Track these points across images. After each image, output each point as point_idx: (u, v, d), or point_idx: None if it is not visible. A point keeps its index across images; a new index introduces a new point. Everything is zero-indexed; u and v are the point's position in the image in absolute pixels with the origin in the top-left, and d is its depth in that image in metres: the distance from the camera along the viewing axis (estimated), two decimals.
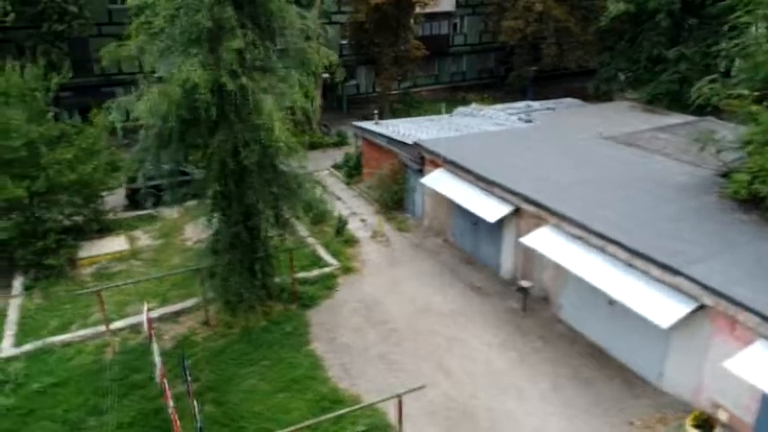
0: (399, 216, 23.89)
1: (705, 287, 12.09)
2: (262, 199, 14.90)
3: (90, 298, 18.20)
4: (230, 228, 15.56)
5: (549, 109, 28.26)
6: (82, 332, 16.57)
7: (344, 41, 38.28)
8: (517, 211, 17.47)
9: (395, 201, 24.29)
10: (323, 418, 11.69)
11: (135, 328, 16.86)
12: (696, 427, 12.15)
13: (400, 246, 21.68)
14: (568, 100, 31.47)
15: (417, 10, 35.44)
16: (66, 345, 16.13)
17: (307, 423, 11.33)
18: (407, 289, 18.59)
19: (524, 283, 16.92)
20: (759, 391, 11.43)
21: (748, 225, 14.71)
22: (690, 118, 25.43)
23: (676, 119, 25.36)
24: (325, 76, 35.95)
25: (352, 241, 21.74)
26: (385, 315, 17.26)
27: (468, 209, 18.48)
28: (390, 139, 24.17)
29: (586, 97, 34.01)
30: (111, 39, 33.48)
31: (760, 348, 11.06)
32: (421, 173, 22.36)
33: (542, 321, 16.71)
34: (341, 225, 21.94)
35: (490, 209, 17.78)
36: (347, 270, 19.73)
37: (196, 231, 22.96)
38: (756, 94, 16.81)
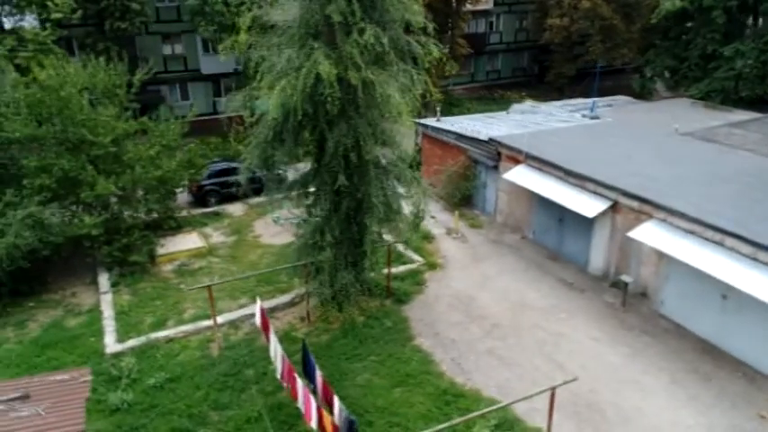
0: (468, 213, 23.84)
1: None
2: (374, 193, 14.86)
3: (178, 294, 18.29)
4: (340, 222, 15.51)
5: (608, 106, 28.20)
6: (183, 328, 16.53)
7: None
8: (614, 206, 17.42)
9: (464, 197, 24.24)
10: (469, 416, 11.56)
11: (234, 324, 16.84)
12: None
13: (478, 242, 21.63)
14: (621, 98, 31.40)
15: (468, 7, 35.41)
16: (170, 340, 16.08)
17: (453, 422, 11.21)
18: (498, 285, 18.55)
19: (625, 278, 16.86)
20: None
21: None
22: (755, 114, 25.45)
23: (742, 115, 25.32)
24: None
25: (429, 238, 21.69)
26: (482, 310, 17.21)
27: (560, 204, 18.42)
28: (459, 136, 24.11)
29: (627, 95, 33.89)
30: (158, 36, 34.06)
31: None
32: (496, 169, 22.33)
33: (643, 317, 16.65)
34: (418, 221, 21.80)
35: (585, 204, 17.72)
36: (432, 266, 19.70)
37: (266, 228, 23.16)
38: None
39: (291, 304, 17.70)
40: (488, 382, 14.26)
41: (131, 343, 15.84)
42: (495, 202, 22.90)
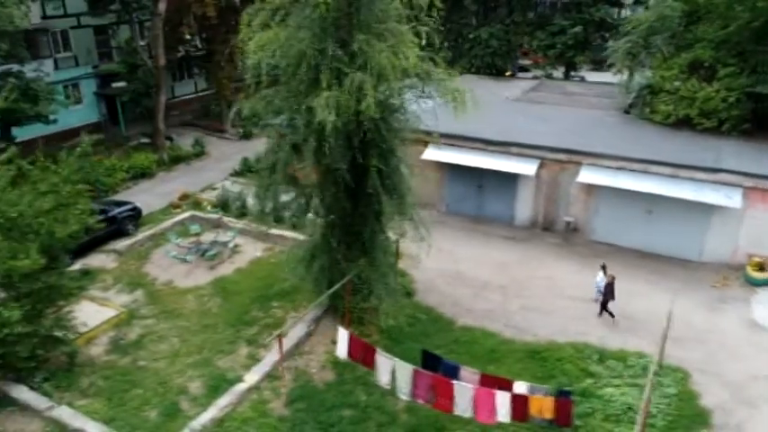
0: None
1: (746, 174, 17.50)
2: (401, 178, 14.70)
3: (147, 374, 14.51)
4: (366, 226, 14.69)
5: None
6: (221, 402, 13.22)
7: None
8: (540, 163, 20.43)
9: None
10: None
11: (271, 376, 14.20)
12: (756, 270, 17.59)
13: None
14: None
15: None
16: (220, 422, 12.77)
17: None
18: (461, 254, 19.74)
19: (567, 219, 20.20)
20: None
21: (698, 137, 20.75)
22: (534, 81, 31.98)
23: (527, 82, 31.49)
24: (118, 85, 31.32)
25: None
26: (478, 279, 18.34)
27: (485, 170, 20.63)
28: None
29: None
30: None
31: None
32: None
33: (584, 246, 20.23)
34: None
35: (516, 166, 20.30)
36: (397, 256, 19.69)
37: (164, 271, 19.31)
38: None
39: (309, 334, 15.75)
40: (549, 330, 15.78)
41: None
42: None
